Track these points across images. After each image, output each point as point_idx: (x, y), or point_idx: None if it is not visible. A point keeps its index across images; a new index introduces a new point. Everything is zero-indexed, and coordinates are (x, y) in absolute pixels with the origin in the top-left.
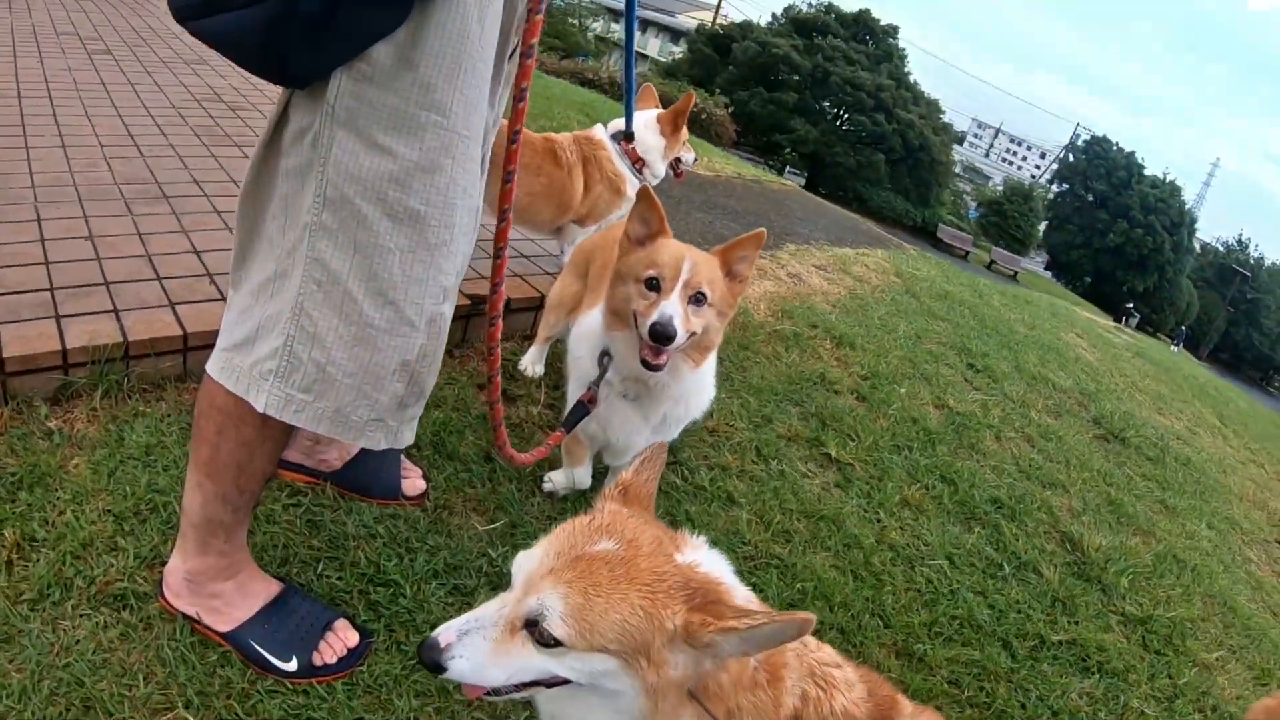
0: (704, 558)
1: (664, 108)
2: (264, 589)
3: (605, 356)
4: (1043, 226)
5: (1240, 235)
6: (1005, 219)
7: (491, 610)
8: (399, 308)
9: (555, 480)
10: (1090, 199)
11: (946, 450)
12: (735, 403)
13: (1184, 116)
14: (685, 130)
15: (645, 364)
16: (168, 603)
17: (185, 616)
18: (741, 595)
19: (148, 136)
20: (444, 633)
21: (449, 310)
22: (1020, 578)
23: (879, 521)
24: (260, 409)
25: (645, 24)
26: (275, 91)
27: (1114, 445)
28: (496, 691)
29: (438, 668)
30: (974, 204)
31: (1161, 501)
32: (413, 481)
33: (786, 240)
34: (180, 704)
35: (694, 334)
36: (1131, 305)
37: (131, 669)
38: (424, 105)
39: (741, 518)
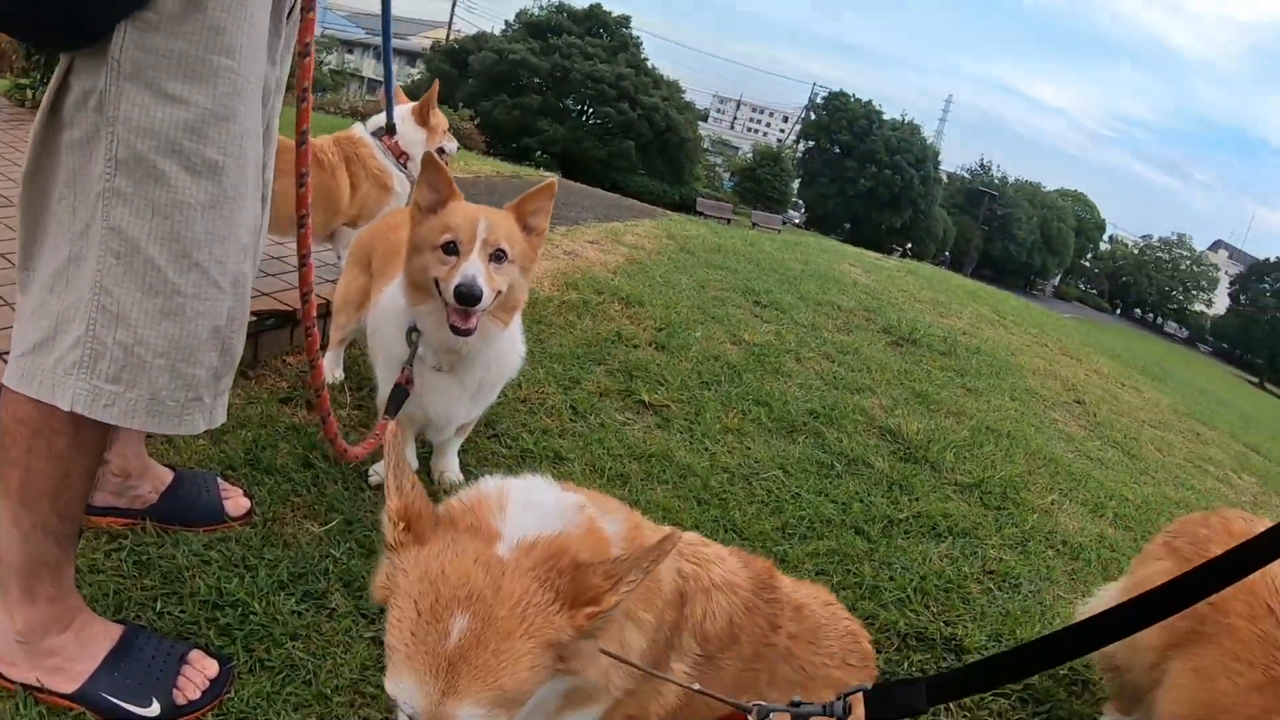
0: (522, 515)
1: None
2: (104, 633)
3: (414, 332)
4: (796, 184)
5: (982, 159)
6: (759, 183)
7: None
8: (204, 269)
9: (380, 472)
10: (837, 150)
11: (753, 378)
12: (541, 371)
13: (912, 63)
14: (443, 119)
15: (455, 330)
16: (2, 679)
17: (25, 687)
18: (578, 523)
19: None
20: None
21: (250, 271)
22: (853, 472)
23: (707, 450)
24: (66, 408)
25: (379, 50)
26: (16, 159)
27: (907, 347)
28: None
29: None
30: (728, 174)
31: (963, 386)
32: (235, 501)
33: (556, 224)
34: None
35: (500, 292)
36: (908, 246)
37: None
38: (214, 49)
39: (575, 470)
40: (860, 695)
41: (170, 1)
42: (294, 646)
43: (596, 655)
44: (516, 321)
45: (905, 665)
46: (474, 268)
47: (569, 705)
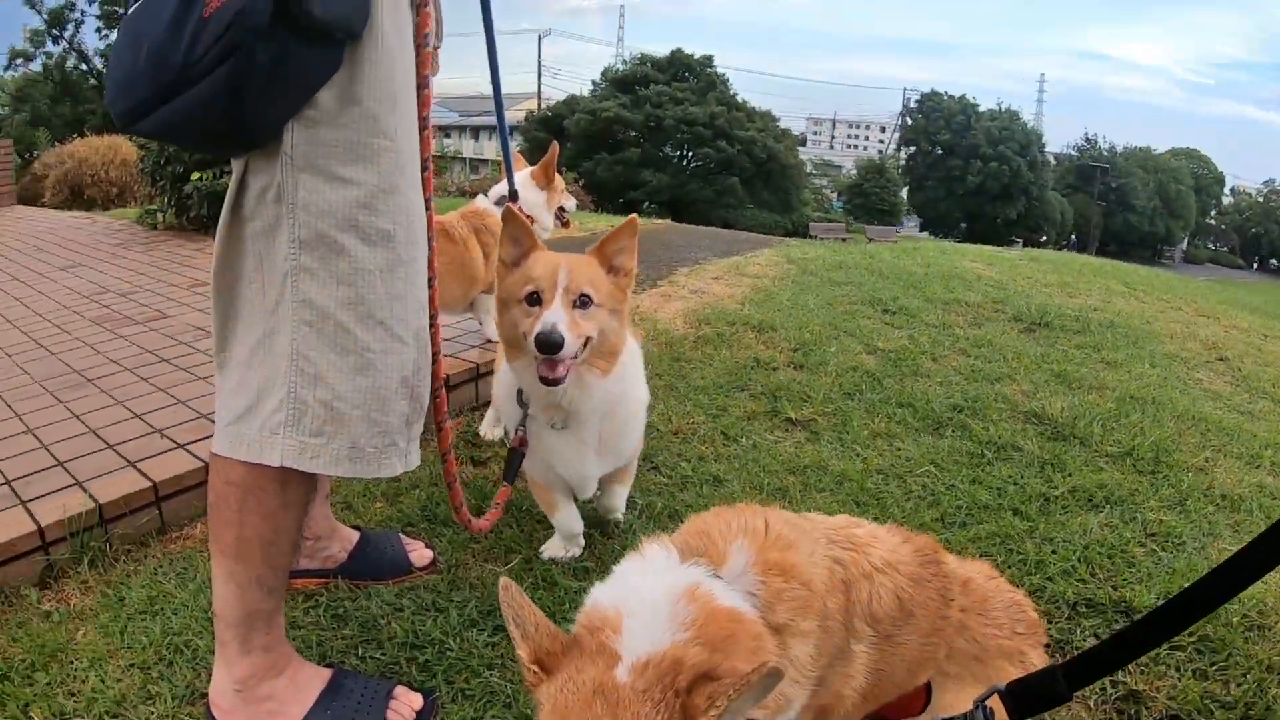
0: (636, 629)
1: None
2: (315, 677)
3: (523, 393)
4: (905, 192)
5: (1087, 134)
6: (868, 197)
7: None
8: (388, 326)
9: (551, 548)
10: (939, 151)
11: (893, 382)
12: (688, 404)
13: (995, 49)
14: (560, 179)
15: (543, 380)
16: None
17: None
18: (692, 618)
19: (51, 337)
20: None
21: (427, 323)
22: (1004, 458)
23: (858, 455)
24: (276, 463)
25: (476, 130)
26: (160, 275)
27: (1040, 332)
28: None
29: None
30: (835, 195)
31: (1101, 360)
32: (419, 552)
33: (677, 266)
34: None
35: (589, 339)
36: (1041, 239)
37: None
38: (374, 133)
39: (735, 491)
40: (1000, 696)
41: (329, 99)
42: (491, 675)
43: None
44: (634, 368)
45: (1077, 631)
46: (554, 315)
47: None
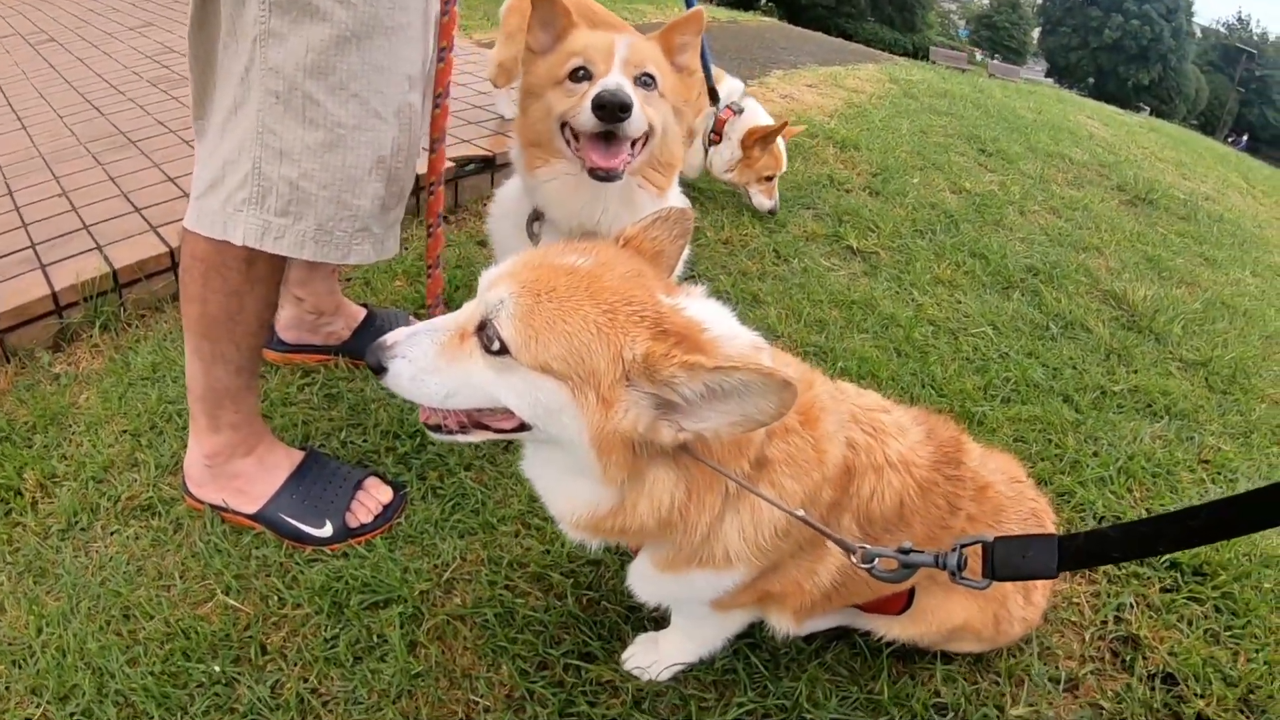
0: (696, 306)
1: None
2: (285, 459)
3: (536, 221)
4: (1036, 33)
5: (1240, 13)
6: (997, 31)
7: (448, 318)
8: (363, 100)
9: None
10: None
11: (971, 229)
12: (746, 214)
13: None
14: None
15: (595, 172)
16: (193, 499)
17: (213, 507)
18: (741, 353)
19: (105, 98)
20: (394, 333)
21: (417, 100)
22: (1069, 336)
23: (914, 301)
24: (239, 242)
25: None
26: None
27: (1142, 208)
28: (441, 428)
29: (379, 368)
30: (963, 22)
31: (1200, 255)
32: None
33: (772, 68)
34: (220, 591)
35: (650, 132)
36: (1148, 110)
37: (167, 571)
38: None
39: (770, 315)
40: (979, 549)
41: None
42: (466, 476)
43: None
44: (676, 189)
45: None
46: (616, 78)
47: (692, 562)
